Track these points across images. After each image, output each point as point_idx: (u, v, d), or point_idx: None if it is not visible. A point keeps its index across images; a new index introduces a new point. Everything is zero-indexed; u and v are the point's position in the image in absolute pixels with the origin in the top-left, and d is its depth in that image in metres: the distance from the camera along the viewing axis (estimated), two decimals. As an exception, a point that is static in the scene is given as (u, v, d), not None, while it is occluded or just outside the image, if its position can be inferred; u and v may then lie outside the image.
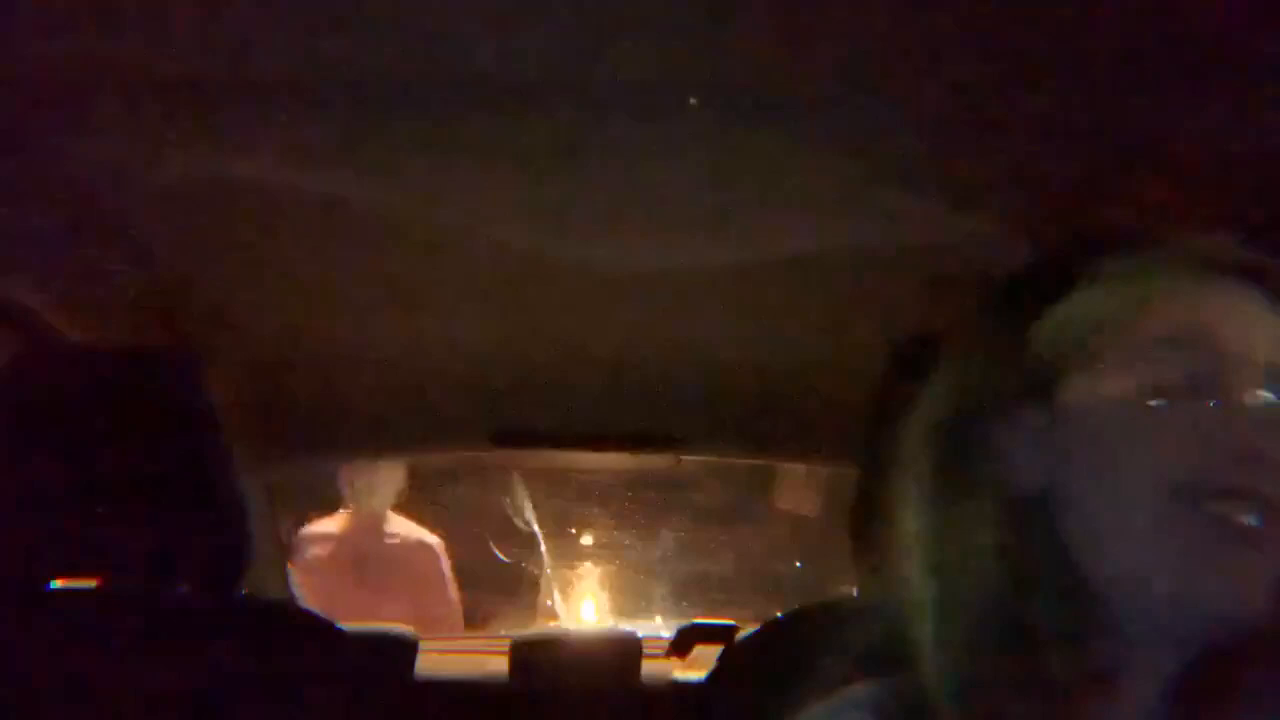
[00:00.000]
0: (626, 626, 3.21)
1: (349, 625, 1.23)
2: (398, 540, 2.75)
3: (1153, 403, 0.51)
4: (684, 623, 1.97)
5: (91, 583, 0.99)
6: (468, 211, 1.08)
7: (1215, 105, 0.88)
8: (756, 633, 1.29)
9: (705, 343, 1.38)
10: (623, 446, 1.77)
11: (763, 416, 1.59)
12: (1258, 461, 0.50)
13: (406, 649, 2.24)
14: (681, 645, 1.85)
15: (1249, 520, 0.49)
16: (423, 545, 2.77)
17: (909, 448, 0.57)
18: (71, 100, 0.90)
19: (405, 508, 2.94)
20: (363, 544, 2.67)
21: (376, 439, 1.92)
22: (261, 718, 0.94)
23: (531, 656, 2.13)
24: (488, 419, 1.71)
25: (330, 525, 2.70)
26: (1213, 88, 0.86)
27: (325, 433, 1.78)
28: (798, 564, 3.56)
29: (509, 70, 0.87)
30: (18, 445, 0.95)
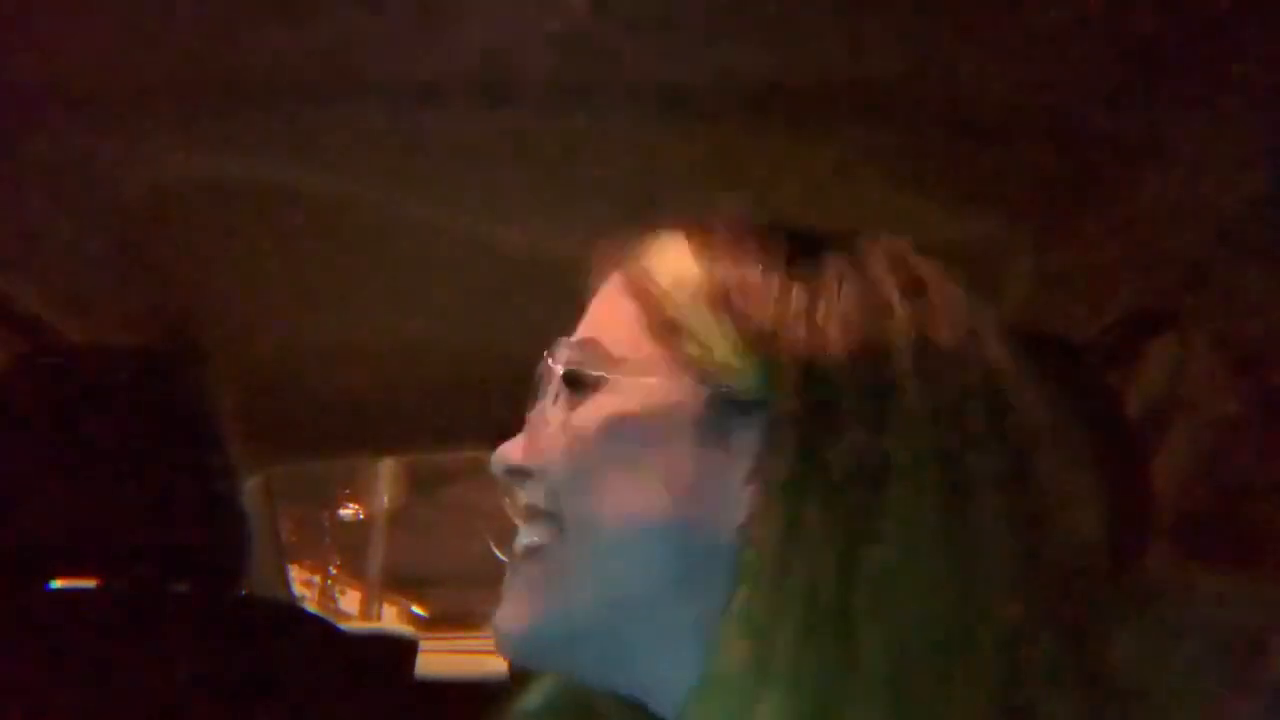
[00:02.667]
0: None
1: (349, 625, 1.23)
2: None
3: None
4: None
5: (91, 583, 0.99)
6: (467, 211, 1.08)
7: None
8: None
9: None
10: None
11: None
12: None
13: (406, 649, 2.24)
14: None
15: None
16: None
17: None
18: (70, 100, 0.90)
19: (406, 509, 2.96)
20: None
21: (376, 439, 1.92)
22: (261, 718, 0.94)
23: (531, 657, 2.12)
24: (487, 419, 1.71)
25: None
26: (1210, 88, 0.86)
27: (325, 432, 1.78)
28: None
29: (507, 71, 0.87)
30: (17, 445, 0.95)
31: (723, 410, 0.44)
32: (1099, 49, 0.84)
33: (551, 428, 0.49)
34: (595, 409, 0.47)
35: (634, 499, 0.45)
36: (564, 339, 0.51)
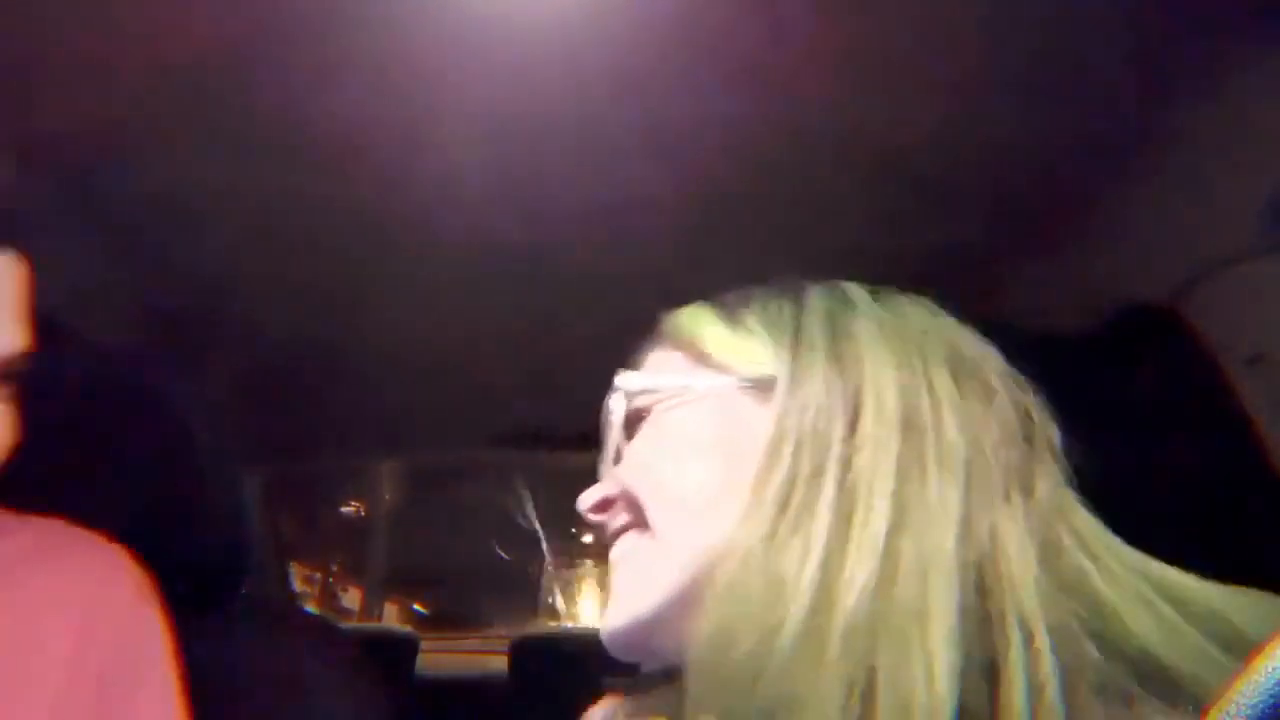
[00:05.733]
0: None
1: (349, 625, 1.23)
2: None
3: None
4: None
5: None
6: (467, 211, 1.08)
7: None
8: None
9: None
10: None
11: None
12: None
13: (407, 649, 2.24)
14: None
15: None
16: None
17: None
18: (71, 100, 0.90)
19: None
20: None
21: (376, 439, 1.92)
22: (261, 718, 0.94)
23: (531, 656, 2.13)
24: (488, 419, 1.71)
25: None
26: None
27: (325, 433, 1.78)
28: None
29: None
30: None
31: (746, 393, 0.58)
32: (1103, 53, 0.84)
33: (623, 459, 0.62)
34: (655, 423, 0.61)
35: (696, 474, 0.57)
36: (617, 389, 0.63)
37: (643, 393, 0.62)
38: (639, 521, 0.59)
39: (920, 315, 0.59)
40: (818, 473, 0.52)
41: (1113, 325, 1.10)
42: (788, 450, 0.53)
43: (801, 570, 0.49)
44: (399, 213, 1.08)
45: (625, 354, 0.69)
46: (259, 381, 1.46)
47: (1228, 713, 0.33)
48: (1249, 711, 0.33)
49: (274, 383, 1.50)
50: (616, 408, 0.63)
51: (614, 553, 0.61)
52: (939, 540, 0.49)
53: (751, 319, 0.61)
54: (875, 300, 0.60)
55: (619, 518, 0.61)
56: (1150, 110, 0.90)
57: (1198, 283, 0.96)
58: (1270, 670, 0.33)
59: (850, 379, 0.55)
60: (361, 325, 1.38)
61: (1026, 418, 0.54)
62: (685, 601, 0.55)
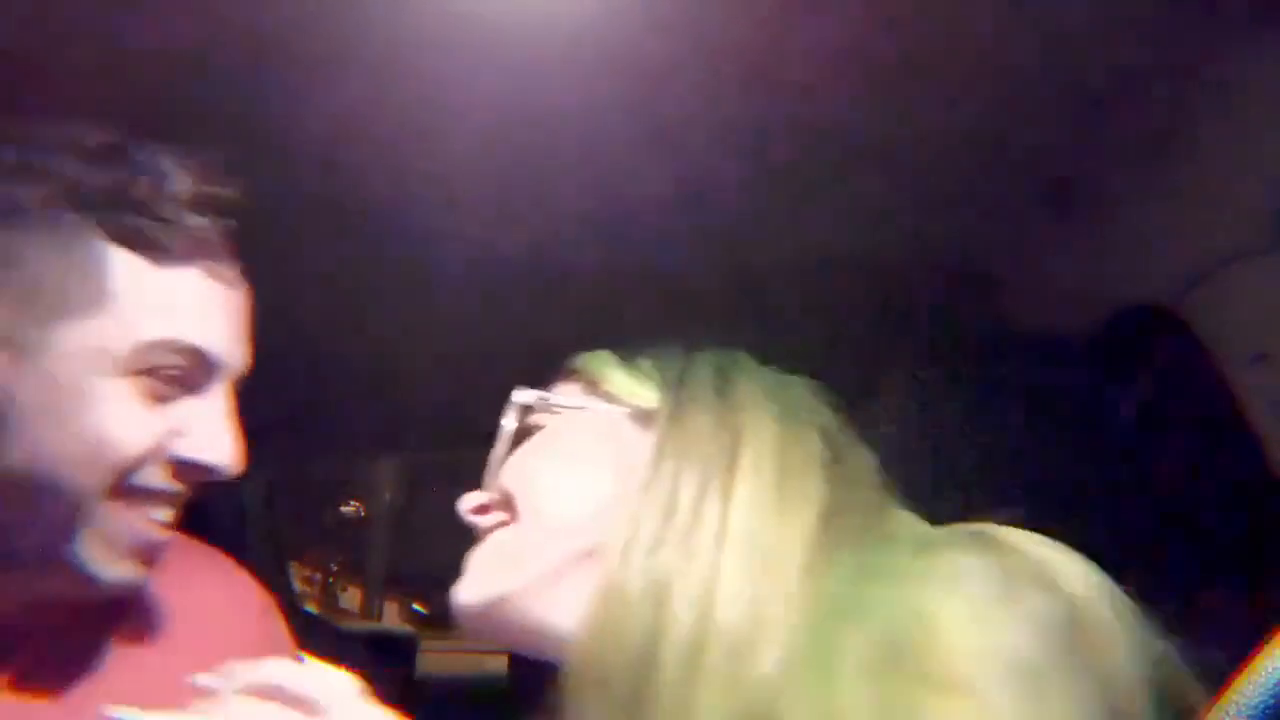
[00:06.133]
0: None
1: (349, 625, 1.22)
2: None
3: None
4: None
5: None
6: (468, 211, 1.08)
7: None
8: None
9: (704, 342, 1.38)
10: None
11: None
12: None
13: (407, 649, 2.25)
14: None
15: None
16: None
17: None
18: (69, 98, 0.90)
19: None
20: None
21: (376, 439, 1.92)
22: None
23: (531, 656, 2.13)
24: (488, 419, 1.71)
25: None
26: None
27: (325, 432, 1.78)
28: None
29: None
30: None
31: (630, 419, 0.67)
32: (1104, 53, 0.84)
33: (508, 464, 0.68)
34: (540, 435, 0.68)
35: (570, 477, 0.65)
36: (511, 404, 0.71)
37: (535, 407, 0.70)
38: (511, 519, 0.65)
39: (796, 386, 0.67)
40: (701, 495, 0.58)
41: (1113, 325, 1.10)
42: (669, 470, 0.60)
43: (686, 580, 0.56)
44: (400, 213, 1.08)
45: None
46: (259, 382, 1.46)
47: (1228, 712, 0.33)
48: (1249, 711, 0.32)
49: (274, 383, 1.49)
50: (508, 422, 0.70)
51: (481, 542, 0.66)
52: (802, 564, 0.56)
53: (646, 364, 0.69)
54: (758, 369, 0.68)
55: (493, 517, 0.66)
56: (1152, 111, 0.90)
57: (1198, 283, 0.96)
58: (1270, 670, 0.33)
59: (732, 419, 0.62)
60: (362, 325, 1.38)
61: (873, 478, 0.63)
62: (547, 589, 0.61)
